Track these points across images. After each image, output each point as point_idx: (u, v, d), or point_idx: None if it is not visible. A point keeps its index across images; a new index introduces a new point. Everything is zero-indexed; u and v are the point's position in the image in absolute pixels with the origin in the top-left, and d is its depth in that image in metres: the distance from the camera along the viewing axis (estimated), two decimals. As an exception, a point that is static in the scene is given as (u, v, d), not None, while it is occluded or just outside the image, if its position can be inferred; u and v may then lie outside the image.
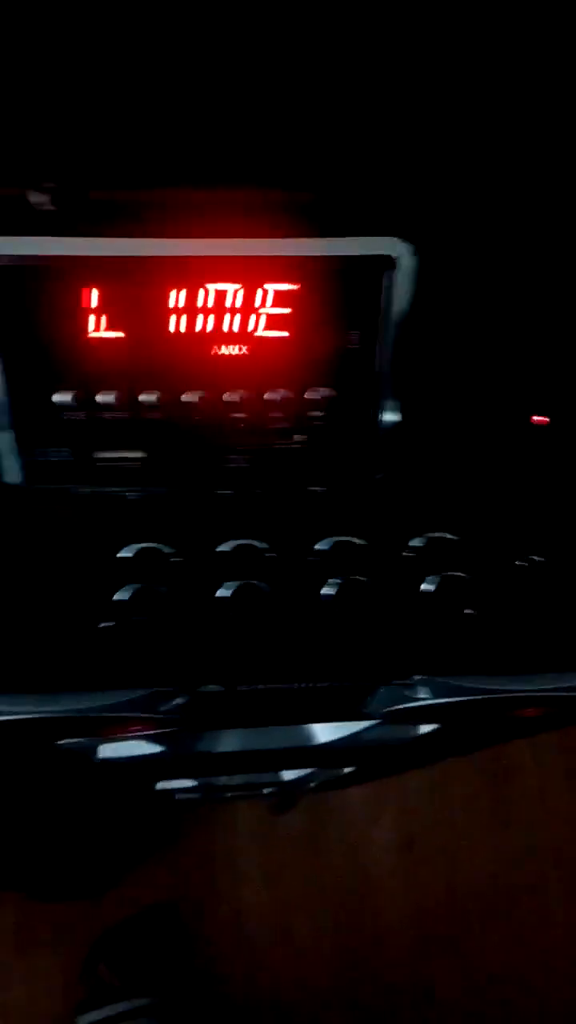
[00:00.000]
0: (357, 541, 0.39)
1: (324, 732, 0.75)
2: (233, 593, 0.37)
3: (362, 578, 0.37)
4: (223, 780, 1.12)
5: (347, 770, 1.15)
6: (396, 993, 1.51)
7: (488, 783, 1.64)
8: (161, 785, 1.12)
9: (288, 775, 1.13)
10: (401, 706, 0.49)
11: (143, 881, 1.52)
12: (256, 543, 0.38)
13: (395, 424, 0.36)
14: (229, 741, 0.75)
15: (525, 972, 1.54)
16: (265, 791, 1.33)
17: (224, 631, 0.40)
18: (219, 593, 0.37)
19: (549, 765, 1.63)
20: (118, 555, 0.38)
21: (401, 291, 0.32)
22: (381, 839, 1.59)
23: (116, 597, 0.37)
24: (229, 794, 1.33)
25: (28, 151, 0.29)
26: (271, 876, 1.55)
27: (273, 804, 1.56)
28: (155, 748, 0.73)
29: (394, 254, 0.31)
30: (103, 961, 1.45)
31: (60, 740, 0.56)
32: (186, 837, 1.55)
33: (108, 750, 0.74)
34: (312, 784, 1.30)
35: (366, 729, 0.74)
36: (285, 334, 0.33)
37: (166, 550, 0.38)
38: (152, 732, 0.53)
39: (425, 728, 0.79)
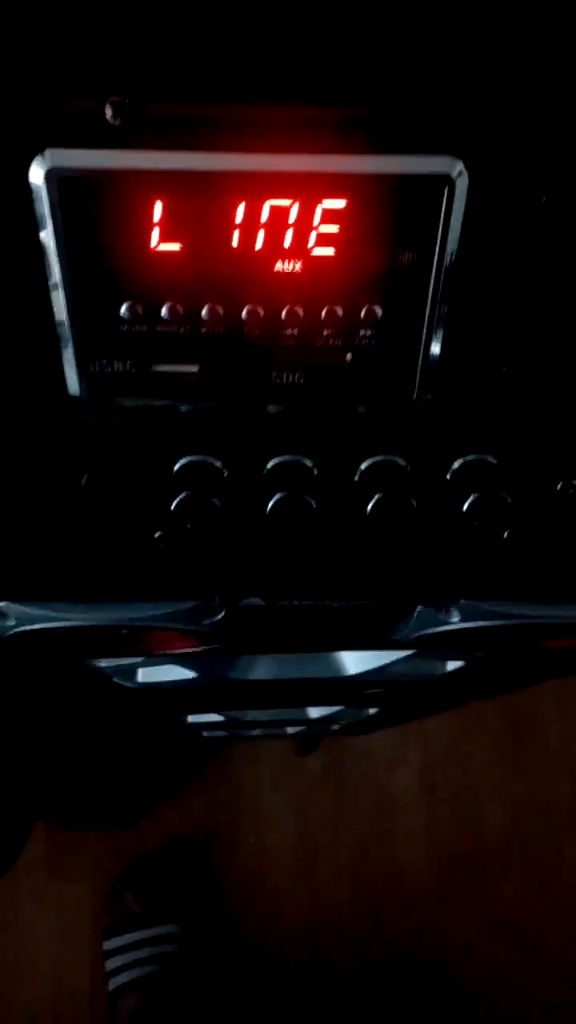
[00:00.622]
0: (401, 461, 0.40)
1: (353, 663, 0.77)
2: (281, 505, 0.39)
3: (406, 495, 0.38)
4: (250, 715, 1.15)
5: (372, 711, 1.17)
6: (414, 933, 1.55)
7: (512, 731, 1.66)
8: (192, 719, 1.15)
9: (314, 712, 1.16)
10: (432, 630, 0.51)
11: (170, 814, 1.57)
12: (304, 460, 0.40)
13: (443, 346, 0.37)
14: (261, 669, 0.77)
15: (543, 917, 1.57)
16: (290, 731, 1.36)
17: (270, 543, 0.41)
18: (268, 506, 0.39)
19: (574, 715, 1.65)
20: (172, 467, 0.40)
21: (457, 210, 0.33)
22: (403, 782, 1.62)
23: (172, 505, 0.38)
24: (255, 732, 1.36)
25: (96, 65, 0.30)
26: (294, 813, 1.59)
27: (297, 745, 1.59)
28: (189, 674, 0.75)
29: (451, 173, 0.32)
30: (130, 890, 1.50)
31: (109, 652, 0.59)
32: (212, 774, 1.59)
33: (146, 674, 0.76)
34: (336, 727, 1.33)
35: (394, 662, 0.76)
36: (336, 252, 0.34)
37: (217, 464, 0.40)
38: (190, 651, 0.55)
39: (452, 665, 0.81)
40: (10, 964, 1.50)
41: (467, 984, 1.53)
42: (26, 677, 0.80)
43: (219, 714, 1.11)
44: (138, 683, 0.79)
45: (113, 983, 1.43)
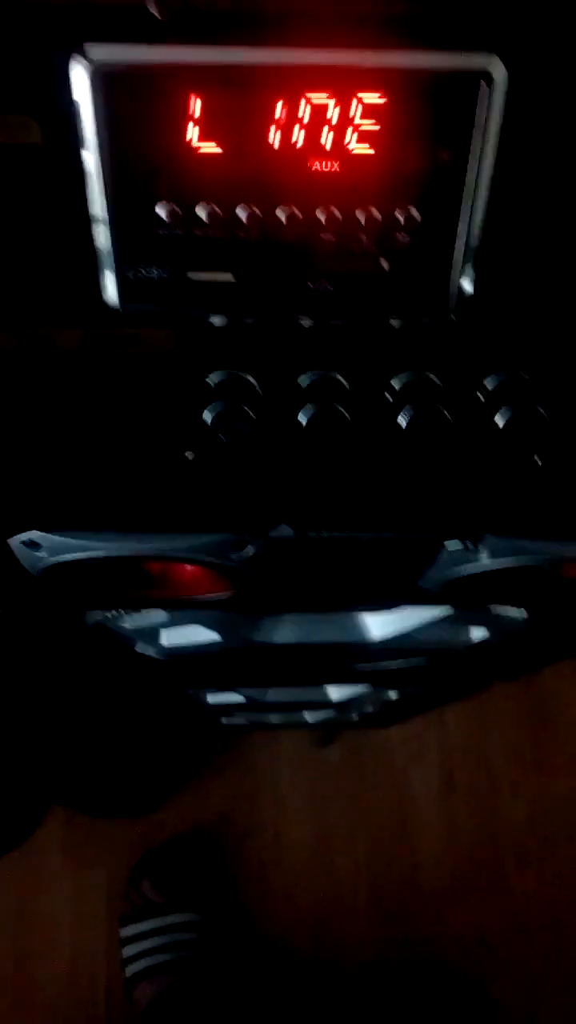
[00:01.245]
0: (434, 378, 0.40)
1: (378, 627, 0.76)
2: (315, 417, 0.39)
3: (440, 408, 0.38)
4: (270, 696, 1.15)
5: (392, 695, 1.17)
6: (431, 928, 1.54)
7: (532, 727, 1.65)
8: (212, 699, 1.15)
9: (334, 694, 1.15)
10: (461, 571, 0.51)
11: (188, 803, 1.56)
12: (337, 376, 0.40)
13: (478, 259, 0.37)
14: (284, 632, 0.77)
15: (564, 916, 1.55)
16: (309, 718, 1.35)
17: (303, 459, 0.41)
18: (300, 417, 0.39)
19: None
20: (206, 382, 0.40)
21: (495, 109, 0.33)
22: (421, 775, 1.61)
23: (207, 416, 0.38)
24: (273, 718, 1.36)
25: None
26: (312, 805, 1.58)
27: (316, 737, 1.58)
28: (213, 635, 0.75)
29: (490, 69, 0.32)
30: (147, 877, 1.49)
31: (132, 595, 0.59)
32: (231, 763, 1.59)
33: (168, 636, 0.76)
34: (355, 715, 1.32)
35: (419, 627, 0.76)
36: (374, 151, 0.34)
37: (251, 379, 0.40)
38: (219, 596, 0.55)
39: (477, 635, 0.81)
40: (27, 949, 1.49)
41: (485, 981, 1.51)
42: (47, 641, 0.80)
43: (239, 694, 1.11)
44: (161, 647, 0.79)
45: (130, 970, 1.42)
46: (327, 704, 1.19)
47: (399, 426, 0.39)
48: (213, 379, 0.39)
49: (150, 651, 0.81)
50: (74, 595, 0.56)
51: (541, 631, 0.78)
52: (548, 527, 0.48)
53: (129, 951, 1.45)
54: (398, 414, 0.39)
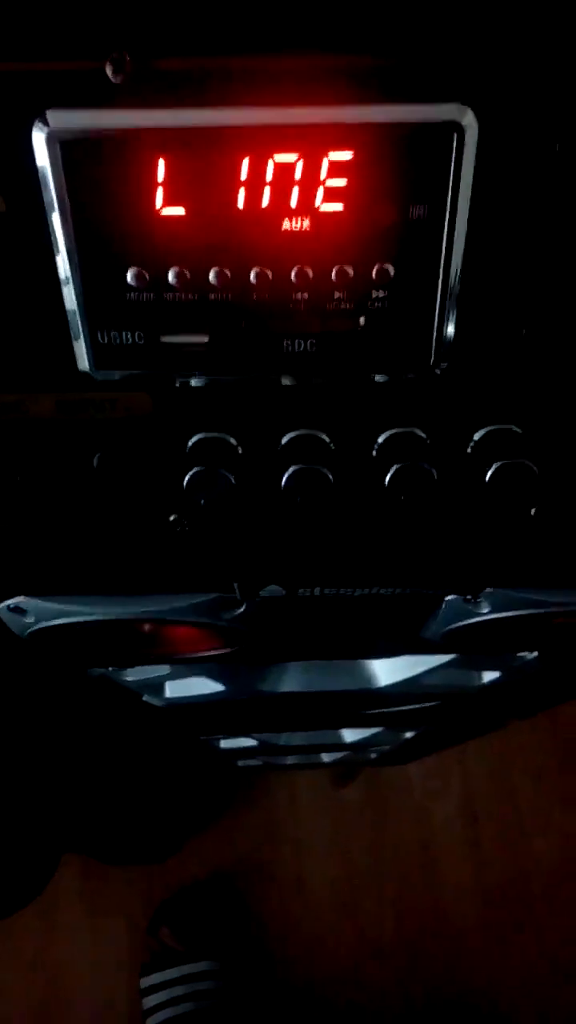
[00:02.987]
0: (420, 433, 0.39)
1: (385, 673, 0.75)
2: (297, 477, 0.37)
3: (426, 466, 0.37)
4: (284, 739, 1.13)
5: (408, 735, 1.14)
6: (460, 971, 1.50)
7: (557, 762, 1.61)
8: (225, 744, 1.14)
9: (349, 736, 1.14)
10: (462, 623, 0.49)
11: (206, 847, 1.54)
12: (319, 434, 0.39)
13: (459, 307, 0.35)
14: (290, 681, 0.76)
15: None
16: (325, 758, 1.33)
17: (287, 521, 0.40)
18: (284, 479, 0.38)
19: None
20: (185, 445, 0.39)
21: (468, 160, 0.32)
22: (444, 813, 1.58)
23: (185, 481, 0.37)
24: (289, 760, 1.34)
25: (94, 22, 0.30)
26: (333, 846, 1.55)
27: (334, 776, 1.56)
28: (217, 687, 0.74)
29: (461, 120, 0.31)
30: (167, 925, 1.47)
31: (124, 654, 0.57)
32: (249, 806, 1.57)
33: (173, 688, 0.75)
34: (373, 754, 1.30)
35: (428, 671, 0.74)
36: (344, 208, 0.33)
37: (231, 440, 0.39)
38: (215, 652, 0.53)
39: (488, 677, 0.79)
40: (45, 1001, 1.47)
41: (516, 1025, 1.46)
42: (50, 694, 0.79)
43: (252, 739, 1.09)
44: (166, 699, 0.78)
45: (152, 1022, 1.39)
46: (342, 746, 1.17)
47: (384, 484, 0.37)
48: (192, 441, 0.38)
49: (156, 702, 0.79)
50: (65, 656, 0.55)
51: (554, 670, 0.76)
52: (548, 576, 0.46)
53: (150, 1002, 1.42)
54: (383, 471, 0.38)
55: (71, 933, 1.50)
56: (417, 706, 0.86)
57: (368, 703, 0.82)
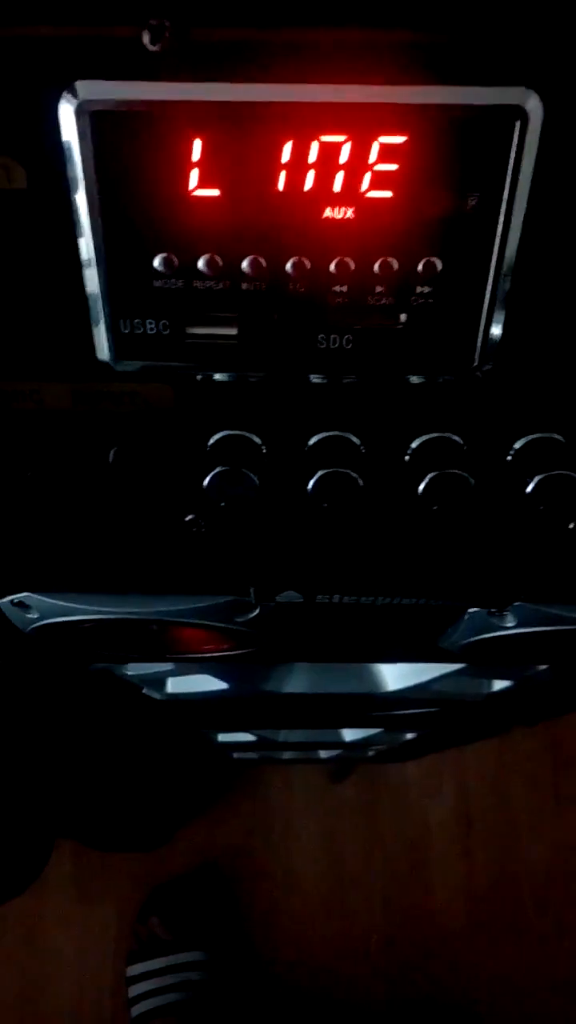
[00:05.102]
0: (457, 439, 0.36)
1: (393, 678, 0.73)
2: (324, 483, 0.35)
3: (462, 474, 0.35)
4: (282, 736, 1.11)
5: (408, 736, 1.13)
6: (446, 969, 1.49)
7: (553, 765, 1.60)
8: (222, 738, 1.12)
9: (349, 735, 1.12)
10: (483, 636, 0.47)
11: (198, 837, 1.53)
12: (350, 437, 0.36)
13: (508, 307, 0.33)
14: (295, 682, 0.74)
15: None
16: (323, 755, 1.31)
17: (311, 526, 0.38)
18: (311, 483, 0.35)
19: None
20: (207, 443, 0.36)
21: (529, 148, 0.29)
22: (438, 813, 1.57)
23: (206, 481, 0.35)
24: (286, 755, 1.32)
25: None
26: (325, 841, 1.54)
27: (330, 771, 1.54)
28: (221, 685, 0.72)
29: (524, 105, 0.29)
30: (156, 914, 1.46)
31: (129, 653, 0.55)
32: (243, 798, 1.55)
33: (175, 684, 0.73)
34: (371, 752, 1.28)
35: (438, 678, 0.72)
36: (393, 195, 0.30)
37: (256, 440, 0.36)
38: (223, 654, 0.51)
39: (498, 685, 0.77)
40: (32, 986, 1.46)
41: (502, 1026, 1.46)
42: (50, 682, 0.77)
43: (250, 734, 1.08)
44: (167, 694, 0.76)
45: (136, 1010, 1.38)
46: (341, 744, 1.15)
47: (416, 492, 0.35)
48: (215, 439, 0.36)
49: (156, 695, 0.78)
50: (67, 652, 0.53)
51: (566, 681, 0.74)
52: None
53: (136, 990, 1.41)
54: (416, 479, 0.35)
55: (59, 919, 1.49)
56: (422, 710, 0.85)
57: (373, 706, 0.80)
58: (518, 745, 1.59)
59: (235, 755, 1.29)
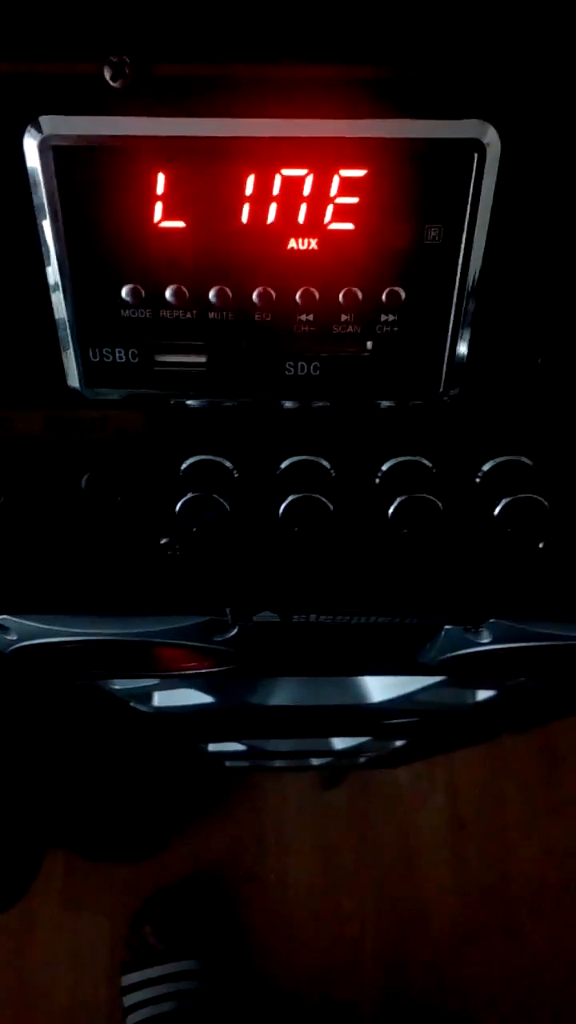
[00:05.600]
0: (426, 463, 0.37)
1: (377, 689, 0.73)
2: (295, 507, 0.35)
3: (431, 498, 0.35)
4: (272, 745, 1.11)
5: (398, 743, 1.13)
6: (438, 976, 1.49)
7: (545, 771, 1.60)
8: (213, 748, 1.12)
9: (339, 743, 1.12)
10: (460, 652, 0.47)
11: (191, 846, 1.53)
12: (320, 460, 0.37)
13: (473, 333, 0.33)
14: (280, 694, 0.74)
15: (573, 964, 1.50)
16: (314, 762, 1.32)
17: (284, 550, 0.38)
18: (282, 507, 0.36)
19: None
20: (179, 468, 0.37)
21: (488, 180, 0.30)
22: (430, 819, 1.57)
23: (178, 507, 0.35)
24: (278, 763, 1.32)
25: (93, 22, 0.28)
26: (318, 848, 1.54)
27: (323, 778, 1.55)
28: (207, 698, 0.72)
29: (483, 138, 0.29)
30: (149, 923, 1.46)
31: (115, 669, 0.56)
32: (235, 805, 1.55)
33: (162, 698, 0.73)
34: (362, 759, 1.28)
35: (422, 689, 0.72)
36: (355, 227, 0.31)
37: (227, 464, 0.37)
38: (205, 669, 0.52)
39: (483, 694, 0.77)
40: (25, 997, 1.46)
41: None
42: (36, 697, 0.77)
43: (240, 743, 1.08)
44: (155, 707, 0.76)
45: (131, 1020, 1.38)
46: (331, 752, 1.16)
47: (386, 516, 0.36)
48: (187, 464, 0.36)
49: (144, 708, 0.78)
50: (49, 671, 0.53)
51: (551, 691, 0.75)
52: (551, 608, 0.45)
53: (130, 1000, 1.41)
54: (386, 502, 0.36)
55: (52, 929, 1.49)
56: (408, 720, 0.85)
57: (359, 717, 0.81)
58: (509, 748, 1.60)
59: (227, 763, 1.29)
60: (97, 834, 1.36)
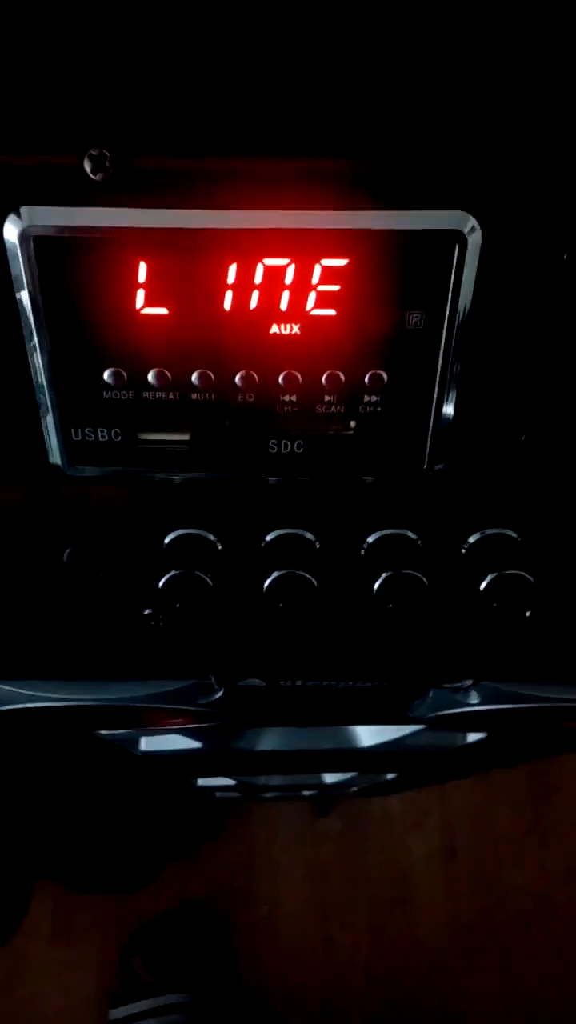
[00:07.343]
0: (411, 535, 0.37)
1: (367, 735, 0.73)
2: (279, 583, 0.35)
3: (416, 574, 0.35)
4: (262, 780, 1.11)
5: (389, 776, 1.13)
6: (433, 1003, 1.48)
7: (536, 796, 1.60)
8: (202, 782, 1.12)
9: (329, 778, 1.12)
10: (448, 711, 0.47)
11: (181, 877, 1.52)
12: (305, 534, 0.37)
13: (455, 412, 0.33)
14: (269, 740, 0.73)
15: (570, 992, 1.49)
16: (305, 793, 1.31)
17: (269, 623, 0.38)
18: (266, 583, 0.35)
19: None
20: (162, 541, 0.37)
21: (469, 269, 0.30)
22: (422, 845, 1.56)
23: (161, 584, 0.35)
24: (269, 794, 1.32)
25: (73, 115, 0.28)
26: (310, 876, 1.53)
27: (314, 806, 1.54)
28: (194, 744, 0.72)
29: (463, 229, 0.29)
30: (138, 955, 1.44)
31: (99, 730, 0.55)
32: (226, 834, 1.54)
33: (148, 743, 0.73)
34: (354, 789, 1.28)
35: (411, 734, 0.72)
36: (337, 314, 0.31)
37: (211, 538, 0.37)
38: (191, 726, 0.51)
39: (472, 737, 0.77)
40: (13, 1033, 1.44)
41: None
42: (23, 742, 0.77)
43: (230, 779, 1.07)
44: (142, 751, 0.76)
45: (119, 1056, 1.36)
46: (321, 786, 1.15)
47: (372, 591, 0.36)
48: (170, 538, 0.36)
49: (132, 751, 0.77)
50: (32, 732, 0.53)
51: (538, 738, 0.75)
52: (539, 672, 0.45)
53: (119, 1035, 1.39)
54: (371, 577, 0.36)
55: (40, 962, 1.47)
56: (397, 760, 0.85)
57: (348, 759, 0.80)
58: (501, 775, 1.59)
59: (217, 795, 1.28)
60: (86, 866, 1.35)
